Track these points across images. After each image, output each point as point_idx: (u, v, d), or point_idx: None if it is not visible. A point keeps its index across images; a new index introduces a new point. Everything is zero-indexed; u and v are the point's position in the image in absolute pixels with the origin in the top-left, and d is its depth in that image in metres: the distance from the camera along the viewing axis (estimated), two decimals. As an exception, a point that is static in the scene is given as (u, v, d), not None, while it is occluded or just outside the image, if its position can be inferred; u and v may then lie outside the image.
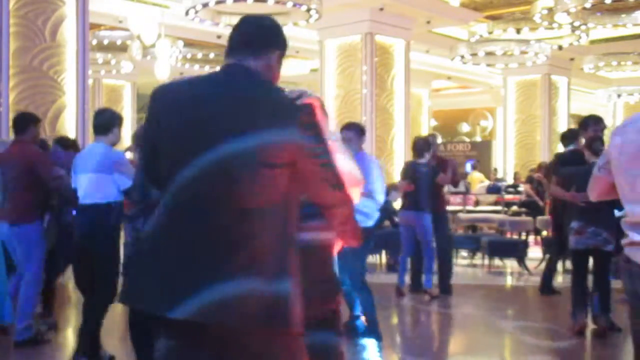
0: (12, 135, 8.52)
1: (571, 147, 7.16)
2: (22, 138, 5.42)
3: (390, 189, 9.74)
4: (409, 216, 7.77)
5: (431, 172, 7.77)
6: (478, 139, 24.57)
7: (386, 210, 8.30)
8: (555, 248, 7.99)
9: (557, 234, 7.73)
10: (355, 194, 2.38)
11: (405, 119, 13.37)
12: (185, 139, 2.05)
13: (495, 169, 18.94)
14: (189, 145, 2.03)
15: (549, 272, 8.10)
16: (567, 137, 7.40)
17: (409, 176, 7.73)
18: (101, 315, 4.81)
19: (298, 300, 2.03)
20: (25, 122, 5.47)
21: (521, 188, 14.63)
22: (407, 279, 8.06)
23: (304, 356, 2.10)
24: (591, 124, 6.51)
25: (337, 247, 2.82)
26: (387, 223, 9.68)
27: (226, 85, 2.09)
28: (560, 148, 8.06)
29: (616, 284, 5.78)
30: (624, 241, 2.60)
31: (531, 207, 12.89)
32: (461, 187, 14.01)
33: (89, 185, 4.73)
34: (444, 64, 17.50)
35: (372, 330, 5.70)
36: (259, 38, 2.18)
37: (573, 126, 18.47)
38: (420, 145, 7.82)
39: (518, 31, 13.80)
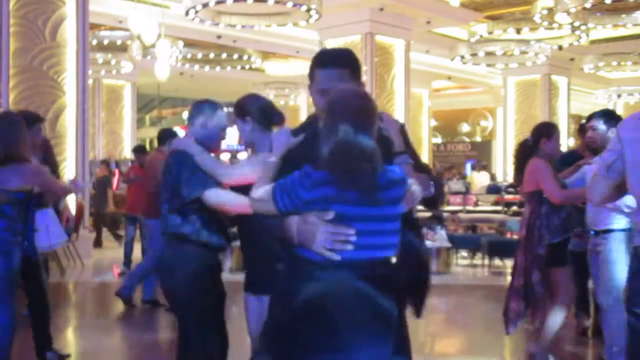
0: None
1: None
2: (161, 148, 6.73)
3: None
4: None
5: None
6: (478, 139, 24.57)
7: None
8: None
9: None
10: None
11: (405, 119, 13.35)
12: None
13: (493, 174, 18.80)
14: None
15: None
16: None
17: None
18: None
19: None
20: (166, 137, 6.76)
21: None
22: None
23: None
24: None
25: None
26: None
27: None
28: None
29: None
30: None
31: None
32: (461, 187, 14.01)
33: None
34: (444, 64, 17.50)
35: None
36: None
37: (573, 126, 18.52)
38: None
39: (518, 31, 13.79)
